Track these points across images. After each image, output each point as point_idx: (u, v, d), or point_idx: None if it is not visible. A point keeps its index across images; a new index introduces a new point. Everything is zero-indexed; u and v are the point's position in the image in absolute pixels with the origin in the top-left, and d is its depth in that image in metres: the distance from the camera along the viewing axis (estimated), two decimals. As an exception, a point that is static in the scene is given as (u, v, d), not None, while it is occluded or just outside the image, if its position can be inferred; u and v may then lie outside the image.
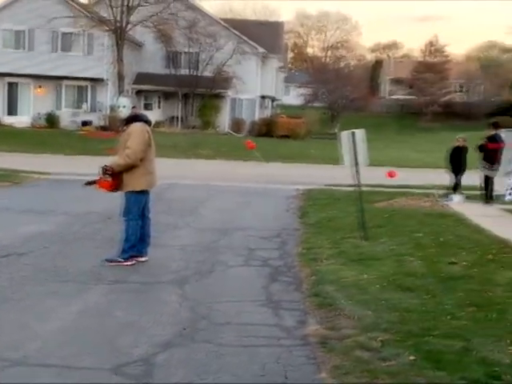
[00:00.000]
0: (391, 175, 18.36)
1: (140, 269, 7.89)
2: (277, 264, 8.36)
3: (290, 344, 5.32)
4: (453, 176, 16.12)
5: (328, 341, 5.34)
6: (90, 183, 8.24)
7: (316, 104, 65.90)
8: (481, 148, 15.43)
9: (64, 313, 6.05)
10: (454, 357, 4.97)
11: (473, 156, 15.85)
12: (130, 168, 7.86)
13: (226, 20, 50.06)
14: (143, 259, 8.17)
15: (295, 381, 4.61)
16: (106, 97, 41.70)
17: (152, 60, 45.96)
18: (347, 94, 62.85)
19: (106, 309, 6.25)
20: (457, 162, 15.99)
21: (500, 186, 15.86)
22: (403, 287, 7.05)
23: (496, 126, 15.88)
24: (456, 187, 16.06)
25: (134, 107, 8.36)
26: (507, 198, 15.69)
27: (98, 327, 5.70)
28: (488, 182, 15.34)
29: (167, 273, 7.72)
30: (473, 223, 11.89)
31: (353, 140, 9.95)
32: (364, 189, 12.88)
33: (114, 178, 7.95)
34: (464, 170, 16.07)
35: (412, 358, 4.94)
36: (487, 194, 15.36)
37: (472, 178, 15.82)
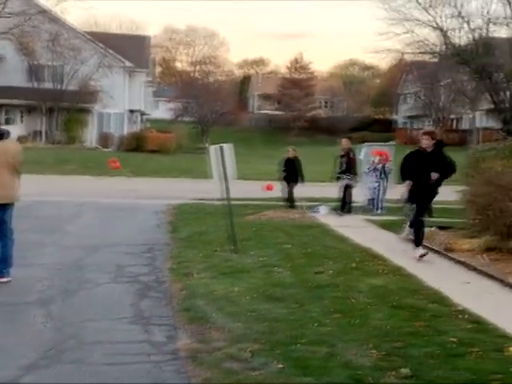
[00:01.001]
0: (269, 188, 18.83)
1: (3, 289, 7.54)
2: (147, 280, 8.28)
3: (160, 360, 5.29)
4: (286, 186, 16.75)
5: (198, 354, 5.37)
6: None
7: (186, 118, 66.12)
8: (346, 159, 16.06)
9: None
10: (320, 362, 5.17)
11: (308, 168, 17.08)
12: None
13: (91, 33, 49.11)
14: (5, 280, 7.81)
15: (165, 396, 4.60)
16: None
17: (14, 73, 44.07)
18: (217, 109, 63.53)
19: (-36, 334, 5.91)
20: (290, 172, 16.65)
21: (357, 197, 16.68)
22: (272, 298, 7.22)
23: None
24: (291, 199, 16.64)
25: None
26: (378, 211, 16.16)
27: (-44, 353, 5.38)
28: (346, 193, 16.00)
29: (32, 293, 7.42)
30: (338, 234, 12.40)
31: (221, 154, 10.08)
32: (234, 202, 13.06)
33: None
34: (297, 181, 16.63)
35: (280, 366, 5.07)
36: (343, 205, 16.03)
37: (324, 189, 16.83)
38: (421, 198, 10.34)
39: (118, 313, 6.69)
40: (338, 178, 16.16)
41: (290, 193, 16.75)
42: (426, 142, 10.27)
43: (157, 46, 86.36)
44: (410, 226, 10.93)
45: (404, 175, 10.42)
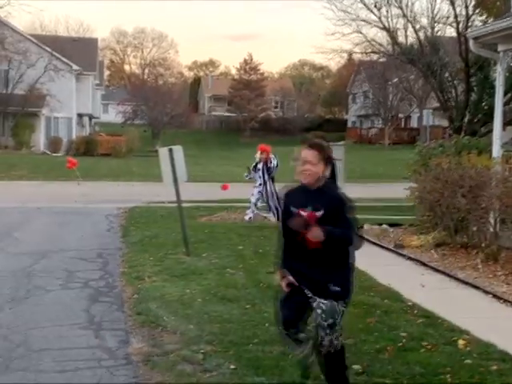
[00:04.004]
0: (225, 188, 18.61)
1: None
2: (98, 285, 8.17)
3: (112, 365, 5.22)
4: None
5: (151, 358, 5.32)
6: None
7: (137, 121, 65.46)
8: None
9: None
10: (273, 362, 5.18)
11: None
12: None
13: (36, 36, 48.32)
14: None
15: (117, 401, 4.54)
16: None
17: (-43, 77, 43.06)
18: (168, 111, 63.12)
19: None
20: None
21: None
22: (225, 299, 7.21)
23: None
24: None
25: None
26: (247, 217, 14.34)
27: None
28: None
29: (-22, 302, 7.24)
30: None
31: (171, 156, 10.01)
32: (186, 205, 13.02)
33: None
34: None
35: (233, 367, 5.07)
36: None
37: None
38: None
39: (68, 319, 6.58)
40: None
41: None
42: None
43: (105, 49, 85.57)
44: None
45: None
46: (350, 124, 75.19)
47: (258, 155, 14.06)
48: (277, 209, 13.46)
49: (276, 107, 80.00)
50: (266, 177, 13.86)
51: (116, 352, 5.57)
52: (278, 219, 13.47)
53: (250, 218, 14.10)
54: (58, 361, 5.30)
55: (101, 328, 6.29)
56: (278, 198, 13.33)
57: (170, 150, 10.05)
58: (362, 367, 5.12)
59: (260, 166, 13.92)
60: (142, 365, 5.19)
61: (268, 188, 13.80)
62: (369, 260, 9.86)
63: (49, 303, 7.31)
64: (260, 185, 13.92)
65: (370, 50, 26.78)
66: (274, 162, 13.94)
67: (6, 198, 19.33)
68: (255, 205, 14.21)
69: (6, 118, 44.10)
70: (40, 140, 44.85)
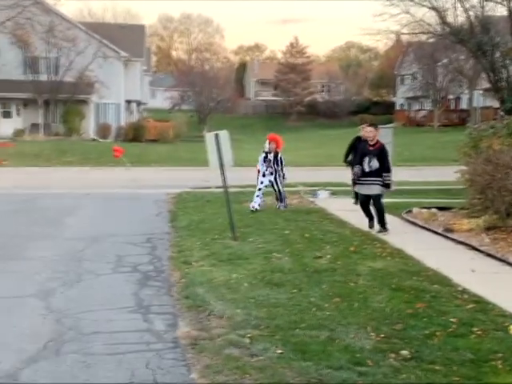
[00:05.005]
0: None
1: (3, 282, 7.54)
2: (147, 269, 8.28)
3: (160, 348, 5.29)
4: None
5: (198, 342, 5.37)
6: None
7: (184, 107, 66.02)
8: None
9: None
10: (320, 347, 5.17)
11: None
12: None
13: (85, 24, 48.91)
14: None
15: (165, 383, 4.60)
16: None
17: (9, 66, 43.88)
18: (214, 96, 63.40)
19: (-36, 328, 5.92)
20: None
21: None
22: (271, 283, 7.22)
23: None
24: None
25: None
26: (281, 208, 13.77)
27: (-44, 348, 5.39)
28: None
29: (31, 285, 7.42)
30: (337, 218, 12.37)
31: (217, 141, 10.03)
32: (233, 190, 13.07)
33: None
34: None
35: (280, 351, 5.07)
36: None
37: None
38: None
39: (118, 303, 6.69)
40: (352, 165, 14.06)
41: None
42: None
43: (152, 35, 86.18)
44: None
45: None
46: (398, 106, 74.06)
47: (266, 145, 13.67)
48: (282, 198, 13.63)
49: (322, 91, 79.36)
50: (278, 167, 13.53)
51: (164, 335, 5.64)
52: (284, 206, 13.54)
53: (259, 205, 13.28)
54: (107, 344, 5.40)
55: (149, 312, 6.38)
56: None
57: (216, 135, 10.07)
58: (410, 353, 5.07)
59: (271, 156, 13.51)
60: (190, 348, 5.24)
61: (278, 178, 13.52)
62: (417, 244, 9.76)
63: (99, 287, 7.44)
64: (271, 174, 13.48)
65: (418, 31, 26.28)
66: (279, 158, 13.55)
67: (57, 184, 19.73)
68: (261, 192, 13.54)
69: (56, 105, 44.92)
70: (89, 126, 45.54)
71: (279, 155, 13.57)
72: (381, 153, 10.77)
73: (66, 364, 4.96)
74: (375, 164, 10.71)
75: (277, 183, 13.54)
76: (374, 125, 11.33)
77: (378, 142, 10.88)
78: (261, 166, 13.63)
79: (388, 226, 10.86)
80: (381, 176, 10.73)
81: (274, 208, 13.74)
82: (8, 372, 4.81)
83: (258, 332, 5.54)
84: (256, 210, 13.03)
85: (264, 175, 13.51)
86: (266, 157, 13.59)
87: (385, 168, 10.72)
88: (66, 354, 5.17)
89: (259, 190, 13.41)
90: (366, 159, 10.76)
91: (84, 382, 4.63)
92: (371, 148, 10.83)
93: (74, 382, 4.64)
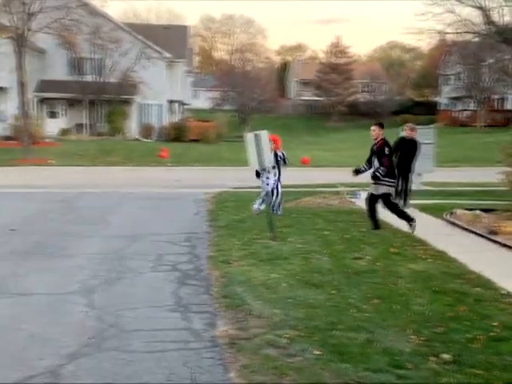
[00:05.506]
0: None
1: (46, 279, 7.69)
2: (186, 268, 8.33)
3: (199, 347, 5.32)
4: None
5: (237, 341, 5.38)
6: None
7: (225, 107, 66.24)
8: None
9: (-37, 330, 5.82)
10: (359, 349, 5.13)
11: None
12: None
13: (129, 25, 49.51)
14: None
15: (203, 383, 4.62)
16: (9, 106, 40.29)
17: (55, 67, 44.83)
18: (255, 97, 63.48)
19: (9, 322, 6.04)
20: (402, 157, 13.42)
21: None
22: (310, 284, 7.19)
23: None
24: (404, 192, 13.61)
25: None
26: (279, 212, 12.82)
27: (1, 341, 5.51)
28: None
29: (74, 283, 7.54)
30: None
31: (257, 142, 10.04)
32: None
33: None
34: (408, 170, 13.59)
35: (318, 352, 5.05)
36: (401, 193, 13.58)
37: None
38: None
39: (157, 301, 6.75)
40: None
41: (405, 184, 13.65)
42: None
43: (194, 36, 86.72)
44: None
45: None
46: (441, 106, 73.04)
47: None
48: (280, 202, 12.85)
49: (364, 90, 78.73)
50: (281, 164, 12.84)
51: (202, 334, 5.66)
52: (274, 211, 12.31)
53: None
54: (147, 341, 5.45)
55: (188, 310, 6.41)
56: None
57: (257, 135, 10.08)
58: (451, 356, 5.00)
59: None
60: (228, 348, 5.25)
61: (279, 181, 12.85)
62: (460, 247, 9.62)
63: (139, 285, 7.52)
64: (275, 175, 12.71)
65: (462, 30, 25.83)
66: (280, 154, 12.86)
67: (101, 183, 20.04)
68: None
69: (101, 106, 45.62)
70: (132, 126, 46.11)
71: (279, 153, 12.81)
72: (379, 151, 10.80)
73: (106, 361, 5.02)
74: (376, 164, 10.79)
75: (277, 186, 12.76)
76: (378, 124, 11.25)
77: (380, 141, 10.89)
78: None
79: (433, 228, 10.71)
80: (387, 176, 10.77)
81: (313, 208, 13.68)
82: (51, 368, 4.89)
83: (295, 332, 5.52)
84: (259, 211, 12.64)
85: (268, 177, 12.65)
86: None
87: (379, 162, 10.73)
88: (106, 351, 5.24)
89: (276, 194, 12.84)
90: (372, 159, 10.95)
91: (124, 378, 4.68)
92: (375, 148, 10.98)
93: (114, 378, 4.69)
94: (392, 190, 10.96)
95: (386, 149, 10.77)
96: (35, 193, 17.27)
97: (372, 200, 11.02)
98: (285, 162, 12.92)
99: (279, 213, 12.65)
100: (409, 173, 13.57)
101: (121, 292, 7.19)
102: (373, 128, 11.11)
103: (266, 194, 11.57)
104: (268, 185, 12.35)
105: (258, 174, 12.44)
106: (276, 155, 12.74)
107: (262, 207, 12.48)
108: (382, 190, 10.82)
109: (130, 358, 5.08)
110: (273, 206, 12.29)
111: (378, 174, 10.71)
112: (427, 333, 5.55)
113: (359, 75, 76.28)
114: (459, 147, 36.85)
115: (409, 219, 10.83)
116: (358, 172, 11.26)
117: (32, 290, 7.23)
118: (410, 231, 10.72)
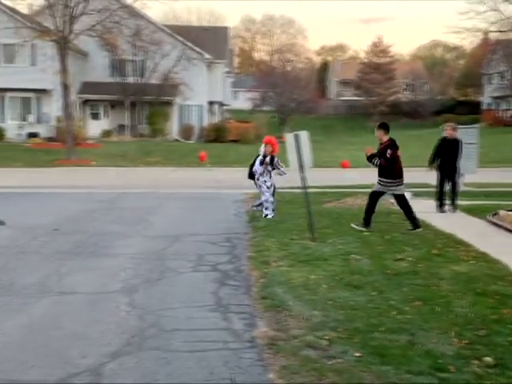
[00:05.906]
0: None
1: (89, 279, 7.81)
2: (226, 268, 8.37)
3: (238, 347, 5.33)
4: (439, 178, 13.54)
5: (276, 342, 5.38)
6: None
7: (265, 108, 66.30)
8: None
9: (8, 327, 5.94)
10: (400, 351, 5.07)
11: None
12: None
13: (170, 26, 49.91)
14: None
15: (242, 383, 4.63)
16: (53, 108, 41.09)
17: (97, 69, 45.50)
18: (295, 97, 63.34)
19: (52, 321, 6.15)
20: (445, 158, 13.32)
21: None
22: (350, 285, 7.15)
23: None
24: (452, 193, 13.46)
25: None
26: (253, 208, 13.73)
27: (45, 340, 5.61)
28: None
29: (116, 282, 7.65)
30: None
31: (297, 142, 10.03)
32: (312, 190, 13.03)
33: None
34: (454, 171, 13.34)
35: (358, 354, 5.01)
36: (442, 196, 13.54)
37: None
38: None
39: (197, 301, 6.79)
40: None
41: (452, 186, 13.46)
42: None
43: (235, 37, 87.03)
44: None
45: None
46: (485, 106, 71.80)
47: (262, 148, 13.14)
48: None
49: (406, 90, 77.89)
50: (274, 170, 13.05)
51: (242, 335, 5.68)
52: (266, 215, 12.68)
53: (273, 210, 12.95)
54: (187, 341, 5.48)
55: (228, 310, 6.44)
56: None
57: (296, 136, 10.07)
58: (494, 360, 4.90)
59: (267, 159, 12.90)
60: (267, 348, 5.25)
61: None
62: (503, 248, 9.44)
63: (180, 285, 7.58)
64: (271, 177, 13.06)
65: (507, 28, 25.37)
66: (276, 159, 12.99)
67: (142, 184, 20.27)
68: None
69: (142, 107, 46.14)
70: (173, 127, 46.49)
71: (275, 159, 12.97)
72: (382, 152, 10.89)
73: (147, 360, 5.07)
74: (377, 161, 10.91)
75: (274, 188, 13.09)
76: (380, 125, 11.25)
77: (386, 142, 10.93)
78: (258, 167, 13.08)
79: (476, 229, 10.56)
80: (382, 176, 11.00)
81: (352, 209, 13.59)
82: (93, 366, 4.96)
83: (335, 334, 5.49)
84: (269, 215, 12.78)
85: (265, 181, 12.97)
86: (263, 160, 12.99)
87: (378, 159, 10.89)
88: (147, 350, 5.29)
89: (272, 195, 13.04)
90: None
91: (164, 378, 4.72)
92: (380, 148, 11.03)
93: (154, 377, 4.73)
94: (383, 189, 11.09)
95: (389, 151, 10.83)
96: (78, 193, 17.58)
97: (373, 194, 11.25)
98: (273, 168, 13.05)
99: (270, 216, 12.69)
100: (455, 173, 13.35)
101: (161, 292, 7.25)
102: (376, 129, 11.23)
103: (266, 200, 12.69)
104: (268, 188, 12.88)
105: (251, 177, 13.11)
106: (272, 160, 12.92)
107: (263, 208, 12.97)
108: (375, 187, 11.15)
109: (170, 357, 5.12)
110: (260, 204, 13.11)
111: (373, 165, 11.00)
112: (470, 335, 5.45)
113: (401, 75, 75.50)
114: (504, 147, 36.16)
115: (415, 223, 10.90)
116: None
117: (74, 288, 7.35)
118: (411, 228, 10.85)
